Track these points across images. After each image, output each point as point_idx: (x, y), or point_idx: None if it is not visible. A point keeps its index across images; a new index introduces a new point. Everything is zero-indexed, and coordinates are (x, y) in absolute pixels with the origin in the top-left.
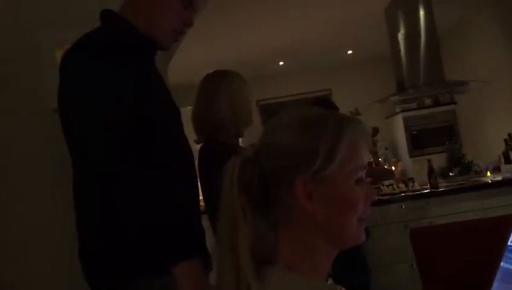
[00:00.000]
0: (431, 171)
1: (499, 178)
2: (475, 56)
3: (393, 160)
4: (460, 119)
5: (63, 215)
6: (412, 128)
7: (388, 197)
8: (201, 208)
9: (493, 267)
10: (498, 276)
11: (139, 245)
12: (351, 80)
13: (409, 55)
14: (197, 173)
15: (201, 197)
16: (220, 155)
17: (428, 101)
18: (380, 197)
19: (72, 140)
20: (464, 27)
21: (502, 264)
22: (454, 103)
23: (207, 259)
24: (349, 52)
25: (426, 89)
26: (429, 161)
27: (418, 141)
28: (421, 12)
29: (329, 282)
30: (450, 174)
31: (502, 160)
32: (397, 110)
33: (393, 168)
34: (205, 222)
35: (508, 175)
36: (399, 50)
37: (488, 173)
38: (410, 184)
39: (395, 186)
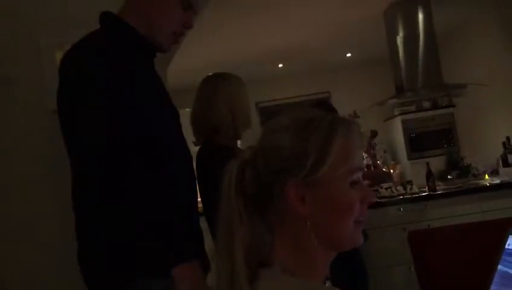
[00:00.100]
0: (429, 174)
1: (497, 181)
2: (473, 59)
3: (392, 163)
4: (458, 122)
5: (62, 216)
6: (410, 131)
7: (386, 199)
8: (199, 209)
9: (491, 270)
10: (496, 279)
11: (138, 246)
12: (350, 83)
13: (407, 58)
14: (195, 174)
15: (199, 199)
16: (218, 157)
17: (426, 104)
18: (378, 200)
19: (71, 141)
20: (463, 30)
21: (499, 267)
22: (453, 105)
23: (205, 261)
24: (348, 54)
25: (425, 91)
26: (427, 163)
27: (417, 144)
28: (420, 16)
29: (327, 284)
30: (448, 177)
31: (500, 163)
32: (396, 113)
33: (391, 171)
34: (203, 224)
35: (506, 178)
36: (398, 53)
37: (486, 176)
38: (409, 187)
39: (393, 189)
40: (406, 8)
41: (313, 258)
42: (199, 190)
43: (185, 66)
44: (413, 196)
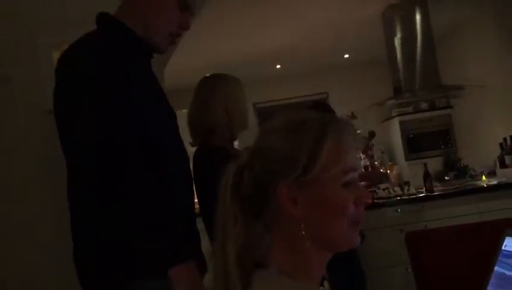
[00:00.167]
0: (427, 175)
1: (494, 182)
2: (471, 60)
3: (389, 163)
4: (456, 124)
5: (62, 216)
6: (408, 132)
7: (384, 200)
8: (196, 210)
9: (488, 271)
10: (492, 280)
11: (134, 247)
12: (348, 84)
13: (405, 59)
14: (192, 175)
15: (196, 200)
16: (214, 158)
17: (424, 105)
18: (375, 201)
19: (68, 141)
20: (460, 32)
21: (496, 268)
22: (450, 107)
23: (202, 262)
24: (346, 56)
25: (422, 93)
26: (425, 164)
27: (414, 145)
28: (418, 17)
29: (324, 285)
30: (446, 178)
31: (498, 164)
32: (393, 114)
33: (388, 171)
34: (200, 225)
35: (503, 179)
36: (395, 54)
37: (484, 177)
38: (406, 188)
39: (390, 190)
40: (403, 10)
41: (308, 259)
42: (196, 191)
43: (183, 66)
44: (411, 197)
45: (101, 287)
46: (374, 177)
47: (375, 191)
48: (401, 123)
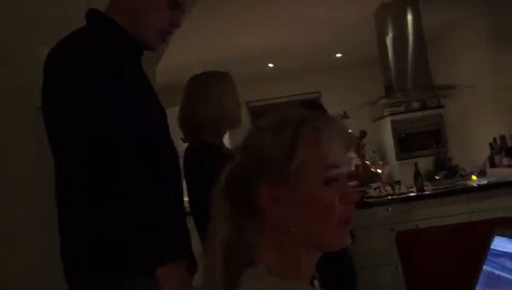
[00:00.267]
0: (417, 175)
1: (484, 182)
2: (462, 60)
3: (380, 163)
4: (447, 123)
5: (49, 214)
6: (399, 131)
7: (374, 200)
8: (186, 209)
9: (477, 270)
10: (481, 279)
11: (124, 246)
12: (340, 83)
13: (397, 58)
14: (182, 173)
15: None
16: (206, 156)
17: (416, 105)
18: (366, 200)
19: (57, 139)
20: (451, 31)
21: (485, 267)
22: (442, 106)
23: (192, 261)
24: (338, 55)
25: (414, 92)
26: (416, 164)
27: (406, 144)
28: (409, 17)
29: (315, 284)
30: (436, 177)
31: (488, 164)
32: (385, 113)
33: (379, 171)
34: (190, 224)
35: (493, 179)
36: (387, 53)
37: (474, 177)
38: (397, 187)
39: (381, 189)
40: (395, 9)
41: (296, 258)
42: (186, 189)
43: (174, 64)
44: (401, 196)
45: (90, 284)
46: (365, 176)
47: (366, 190)
48: (392, 123)
